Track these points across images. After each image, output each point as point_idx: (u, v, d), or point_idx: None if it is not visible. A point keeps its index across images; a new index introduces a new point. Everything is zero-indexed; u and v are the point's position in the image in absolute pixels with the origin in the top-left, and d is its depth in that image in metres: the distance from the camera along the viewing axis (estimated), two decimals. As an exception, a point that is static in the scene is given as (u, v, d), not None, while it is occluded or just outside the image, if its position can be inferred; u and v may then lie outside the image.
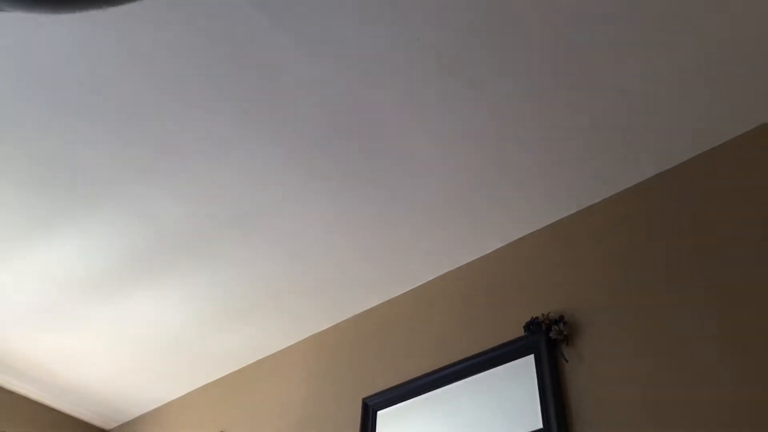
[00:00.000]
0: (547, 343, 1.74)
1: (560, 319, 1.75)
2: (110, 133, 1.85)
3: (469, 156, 1.85)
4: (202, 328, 2.55)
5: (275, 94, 1.73)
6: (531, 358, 1.77)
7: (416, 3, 1.51)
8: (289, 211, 2.05)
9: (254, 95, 1.73)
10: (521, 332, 1.83)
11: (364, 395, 2.13)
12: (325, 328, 2.51)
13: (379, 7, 1.53)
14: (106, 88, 1.74)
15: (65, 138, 1.87)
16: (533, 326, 1.79)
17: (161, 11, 1.56)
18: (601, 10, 1.51)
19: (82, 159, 1.92)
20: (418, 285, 2.29)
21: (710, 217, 1.67)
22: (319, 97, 1.72)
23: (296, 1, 1.53)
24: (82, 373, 2.84)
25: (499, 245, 2.11)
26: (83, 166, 1.94)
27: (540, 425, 1.64)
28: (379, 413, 2.05)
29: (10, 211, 2.09)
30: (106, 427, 3.20)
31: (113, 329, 2.57)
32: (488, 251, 2.13)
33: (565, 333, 1.72)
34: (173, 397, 2.97)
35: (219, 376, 2.82)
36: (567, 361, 1.70)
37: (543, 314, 1.80)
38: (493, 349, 1.86)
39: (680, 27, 1.53)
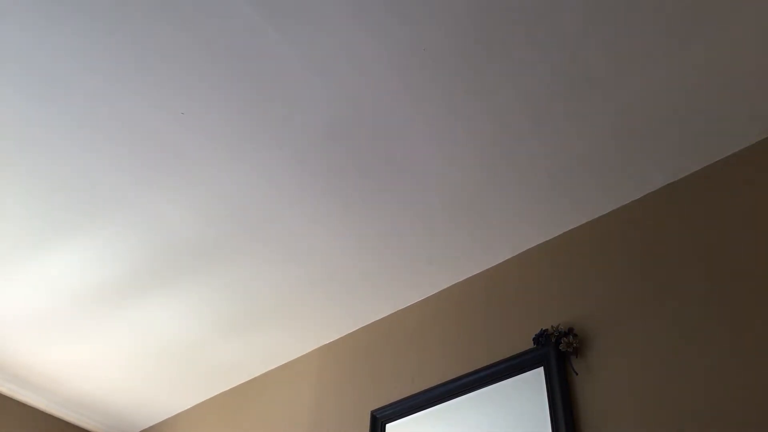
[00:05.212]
0: (556, 355, 1.73)
1: (569, 331, 1.74)
2: (116, 142, 1.86)
3: (477, 166, 1.85)
4: (210, 338, 2.55)
5: (282, 102, 1.74)
6: (540, 370, 1.76)
7: (423, 13, 1.52)
8: (297, 220, 2.05)
9: (261, 103, 1.74)
10: (530, 344, 1.82)
11: (373, 407, 2.12)
12: (332, 339, 2.51)
13: (385, 17, 1.54)
14: (112, 97, 1.75)
15: (71, 147, 1.88)
16: (542, 338, 1.79)
17: (166, 21, 1.58)
18: (608, 21, 1.51)
19: (89, 168, 1.93)
20: (426, 296, 2.28)
21: (719, 227, 1.66)
22: (325, 105, 1.73)
23: (302, 10, 1.54)
24: (90, 383, 2.84)
25: (507, 256, 2.10)
26: (90, 174, 1.95)
27: (550, 438, 1.63)
28: (388, 426, 2.04)
29: (17, 220, 2.10)
30: (115, 438, 3.20)
31: (120, 339, 2.58)
32: (497, 262, 2.12)
33: (574, 345, 1.71)
34: (181, 409, 2.96)
35: (227, 388, 2.81)
36: (577, 373, 1.69)
37: (552, 326, 1.79)
38: (502, 362, 1.85)
39: (688, 37, 1.53)
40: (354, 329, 2.45)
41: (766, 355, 1.42)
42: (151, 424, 3.09)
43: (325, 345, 2.53)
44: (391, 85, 1.67)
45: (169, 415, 3.02)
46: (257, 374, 2.72)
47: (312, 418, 2.34)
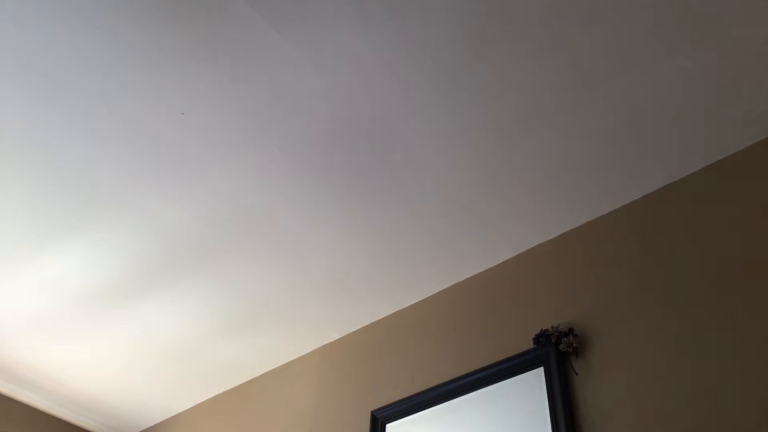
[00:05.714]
0: (556, 355, 1.73)
1: (570, 331, 1.74)
2: (116, 142, 1.86)
3: (478, 166, 1.85)
4: (210, 338, 2.55)
5: (282, 102, 1.74)
6: (540, 370, 1.76)
7: (423, 13, 1.52)
8: (297, 220, 2.05)
9: (261, 104, 1.75)
10: (530, 344, 1.82)
11: (372, 408, 2.11)
12: (333, 339, 2.51)
13: (386, 19, 1.54)
14: (111, 98, 1.75)
15: (71, 148, 1.88)
16: (542, 338, 1.78)
17: (166, 21, 1.58)
18: (608, 21, 1.51)
19: (88, 169, 1.93)
20: (426, 296, 2.28)
21: (721, 227, 1.66)
22: (325, 106, 1.73)
23: (302, 10, 1.54)
24: (91, 383, 2.84)
25: (507, 256, 2.10)
26: (90, 175, 1.95)
27: (550, 439, 1.62)
28: (388, 426, 2.04)
29: (17, 222, 2.10)
30: (115, 438, 3.20)
31: (121, 340, 2.58)
32: (497, 262, 2.12)
33: (574, 345, 1.71)
34: (181, 409, 2.96)
35: (227, 388, 2.81)
36: (577, 374, 1.69)
37: (552, 326, 1.79)
38: (503, 362, 1.85)
39: (688, 36, 1.53)
40: (354, 329, 2.45)
41: (766, 356, 1.42)
42: (151, 424, 3.09)
43: (325, 345, 2.52)
44: (391, 85, 1.67)
45: (169, 415, 3.02)
46: (257, 374, 2.72)
47: (312, 418, 2.34)
